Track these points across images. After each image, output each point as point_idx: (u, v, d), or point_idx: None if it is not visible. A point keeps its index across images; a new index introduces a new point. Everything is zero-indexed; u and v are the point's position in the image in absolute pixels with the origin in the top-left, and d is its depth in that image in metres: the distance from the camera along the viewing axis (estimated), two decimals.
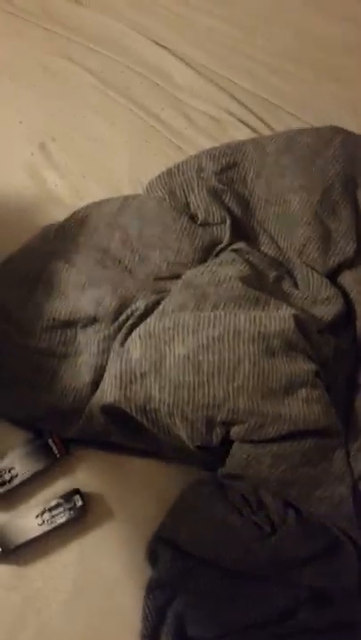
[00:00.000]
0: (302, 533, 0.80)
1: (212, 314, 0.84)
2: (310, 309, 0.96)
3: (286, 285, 1.00)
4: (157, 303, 0.89)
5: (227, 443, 0.85)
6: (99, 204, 1.07)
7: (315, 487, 0.83)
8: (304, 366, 0.84)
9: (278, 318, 0.84)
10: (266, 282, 0.97)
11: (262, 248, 1.06)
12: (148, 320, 0.85)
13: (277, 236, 1.07)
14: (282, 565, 0.78)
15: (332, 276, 1.03)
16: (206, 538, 0.79)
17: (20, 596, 0.83)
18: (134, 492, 0.89)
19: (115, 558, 0.85)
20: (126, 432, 0.86)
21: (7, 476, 0.87)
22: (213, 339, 0.81)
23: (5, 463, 0.88)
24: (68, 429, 0.89)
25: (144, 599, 0.82)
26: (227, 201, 1.06)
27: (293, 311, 0.87)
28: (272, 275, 0.99)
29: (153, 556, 0.83)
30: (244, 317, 0.83)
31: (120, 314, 0.90)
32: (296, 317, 0.85)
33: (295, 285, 1.01)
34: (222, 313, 0.84)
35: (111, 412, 0.84)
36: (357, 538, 0.80)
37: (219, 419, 0.81)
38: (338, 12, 1.41)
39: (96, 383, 0.87)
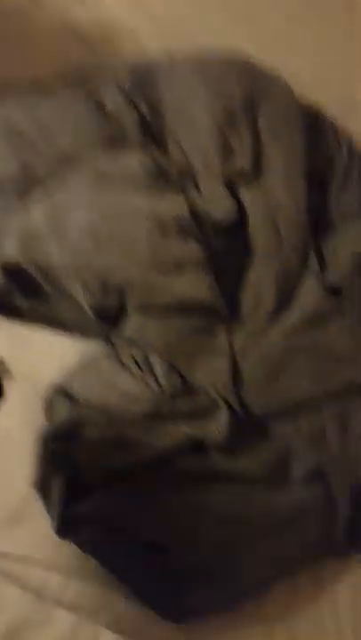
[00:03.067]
0: (184, 392, 0.87)
1: (114, 191, 0.87)
2: (206, 209, 1.01)
3: (187, 187, 1.04)
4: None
5: (122, 313, 0.90)
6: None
7: (198, 356, 0.90)
8: (194, 248, 0.90)
9: (174, 202, 0.89)
10: (168, 179, 1.01)
11: (170, 155, 1.10)
12: (52, 190, 0.88)
13: (183, 141, 1.09)
14: (161, 417, 0.84)
15: (230, 187, 1.08)
16: (97, 388, 0.85)
17: None
18: (36, 358, 0.92)
19: (11, 416, 0.89)
20: (29, 297, 0.88)
21: None
22: (111, 211, 0.85)
23: None
24: None
25: (37, 448, 0.85)
26: (137, 100, 1.07)
27: (188, 199, 0.92)
28: (175, 174, 1.03)
29: (48, 408, 0.87)
30: (143, 196, 0.87)
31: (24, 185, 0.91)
32: (190, 203, 0.90)
33: (196, 190, 1.06)
34: (121, 191, 0.87)
35: (12, 272, 0.86)
36: (233, 402, 0.88)
37: (113, 286, 0.86)
38: None
39: None
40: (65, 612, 0.80)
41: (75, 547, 0.80)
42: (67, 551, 0.81)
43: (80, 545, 0.80)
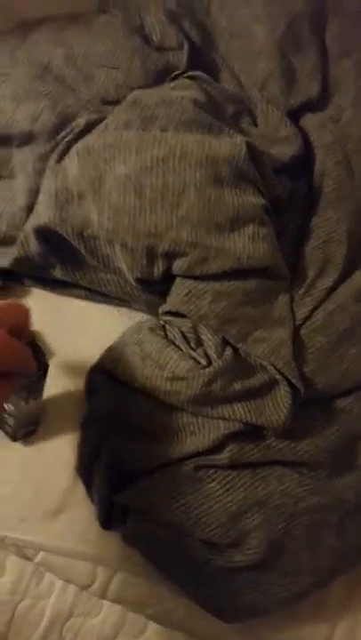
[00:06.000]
0: (238, 369, 0.74)
1: (158, 133, 0.71)
2: (267, 149, 0.84)
3: (245, 123, 0.87)
4: (100, 121, 0.76)
5: (169, 280, 0.77)
6: (40, 21, 0.90)
7: (254, 327, 0.77)
8: (253, 200, 0.74)
9: (229, 143, 0.73)
10: (223, 115, 0.84)
11: (223, 84, 0.92)
12: (88, 137, 0.72)
13: (240, 72, 0.93)
14: (212, 399, 0.72)
15: (294, 117, 0.91)
16: (141, 368, 0.73)
17: None
18: (74, 333, 0.81)
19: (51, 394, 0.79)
20: (66, 266, 0.76)
21: None
22: (158, 160, 0.69)
23: None
24: (1, 258, 0.78)
25: (80, 434, 0.76)
26: (186, 27, 0.90)
27: (246, 139, 0.75)
28: (230, 109, 0.86)
29: (91, 388, 0.76)
30: (192, 139, 0.71)
31: (60, 132, 0.76)
32: (248, 144, 0.74)
33: (254, 124, 0.89)
34: (169, 134, 0.71)
35: (47, 236, 0.73)
36: (294, 379, 0.74)
37: (160, 249, 0.72)
38: None
39: (31, 207, 0.76)
40: (110, 603, 0.75)
41: (120, 539, 0.72)
42: (113, 543, 0.73)
43: (125, 537, 0.72)
